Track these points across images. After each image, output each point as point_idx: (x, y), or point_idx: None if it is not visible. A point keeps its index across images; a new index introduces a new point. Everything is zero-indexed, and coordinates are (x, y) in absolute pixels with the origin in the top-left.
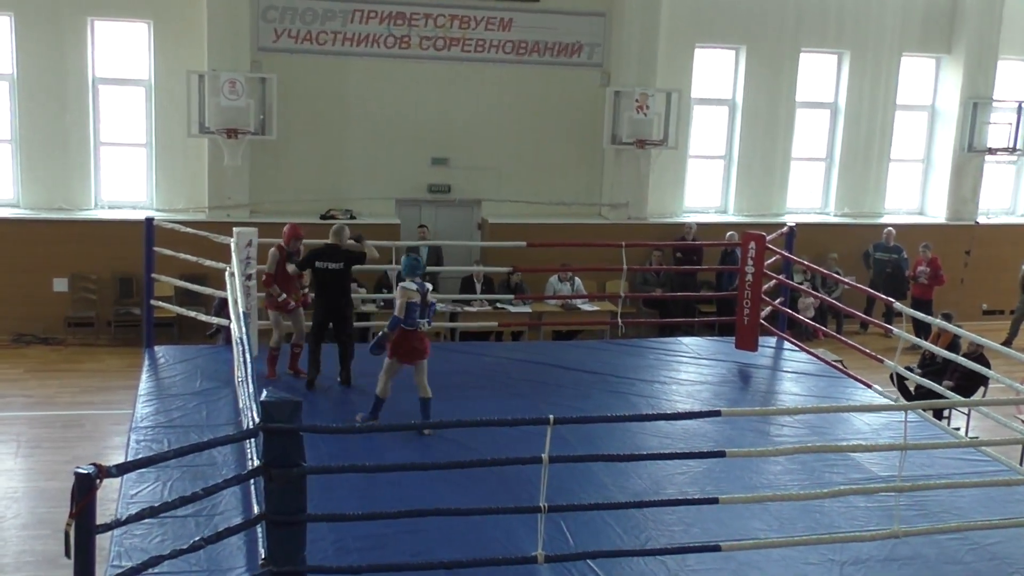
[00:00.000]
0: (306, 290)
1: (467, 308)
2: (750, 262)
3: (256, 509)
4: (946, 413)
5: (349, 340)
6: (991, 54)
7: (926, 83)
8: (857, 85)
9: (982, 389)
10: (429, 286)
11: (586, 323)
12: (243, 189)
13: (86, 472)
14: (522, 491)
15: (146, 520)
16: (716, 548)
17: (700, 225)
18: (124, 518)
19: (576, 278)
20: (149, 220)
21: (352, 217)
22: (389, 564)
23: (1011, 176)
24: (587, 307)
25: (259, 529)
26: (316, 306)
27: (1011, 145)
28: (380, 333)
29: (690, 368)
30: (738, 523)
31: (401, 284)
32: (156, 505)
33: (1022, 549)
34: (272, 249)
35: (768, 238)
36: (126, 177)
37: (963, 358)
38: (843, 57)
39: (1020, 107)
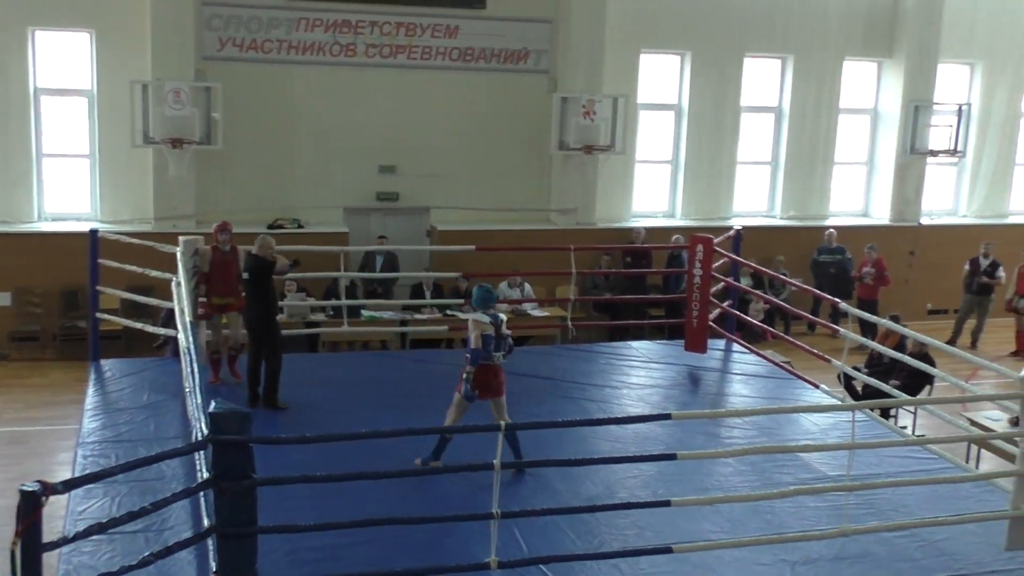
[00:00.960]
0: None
1: (417, 315)
2: (698, 265)
3: (206, 522)
4: (893, 412)
5: (273, 356)
6: (931, 58)
7: (869, 87)
8: (801, 89)
9: (928, 388)
10: (503, 317)
11: (536, 328)
12: (189, 199)
13: (31, 489)
14: (475, 498)
15: (94, 537)
16: (668, 550)
17: (648, 229)
18: (72, 535)
19: (526, 283)
20: (94, 232)
21: (300, 226)
22: (343, 574)
23: (952, 178)
24: (537, 312)
25: (210, 542)
26: (244, 318)
27: (952, 147)
28: (465, 374)
29: (640, 372)
30: (690, 525)
31: (473, 316)
32: (104, 521)
33: (969, 545)
34: (206, 248)
35: (715, 241)
36: (70, 189)
37: (909, 357)
38: (787, 61)
39: (960, 110)
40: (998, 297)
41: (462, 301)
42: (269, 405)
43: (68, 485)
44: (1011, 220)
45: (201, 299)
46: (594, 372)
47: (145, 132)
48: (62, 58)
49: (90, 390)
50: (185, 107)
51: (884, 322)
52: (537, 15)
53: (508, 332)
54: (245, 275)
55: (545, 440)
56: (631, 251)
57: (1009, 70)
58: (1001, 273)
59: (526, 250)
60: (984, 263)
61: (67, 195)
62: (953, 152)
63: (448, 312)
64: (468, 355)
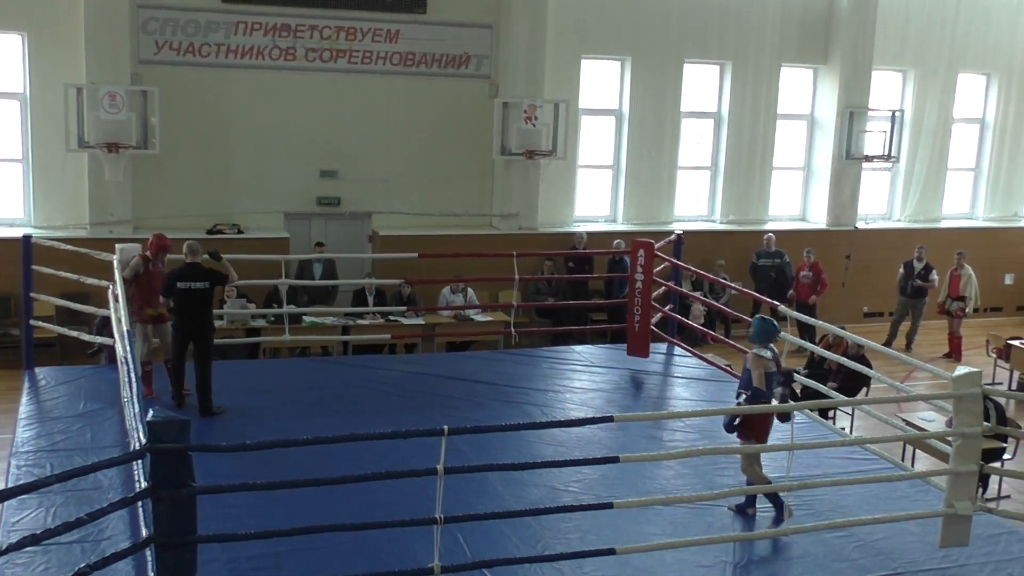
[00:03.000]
0: (170, 304)
1: (360, 321)
2: (639, 270)
3: (145, 532)
4: (831, 413)
5: (208, 363)
6: (866, 64)
7: (805, 93)
8: (739, 95)
9: (865, 389)
10: (777, 350)
11: (479, 333)
12: (126, 204)
13: None
14: (418, 503)
15: (28, 548)
16: (611, 552)
17: (590, 234)
18: (5, 547)
19: (469, 289)
20: (27, 237)
21: (240, 231)
22: None
23: (887, 183)
24: (480, 317)
25: (148, 552)
26: (175, 327)
27: (886, 152)
28: (739, 401)
29: (583, 376)
30: (633, 528)
31: (755, 352)
32: (39, 532)
33: (905, 544)
34: (135, 258)
35: (656, 246)
36: (1, 193)
37: (845, 359)
38: (725, 68)
39: (894, 116)
40: (931, 300)
41: (404, 308)
42: (206, 412)
43: (1, 496)
44: (943, 224)
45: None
46: (537, 376)
47: (80, 136)
48: None
49: (24, 399)
50: (121, 111)
51: (822, 324)
52: (478, 20)
53: (789, 369)
54: (202, 285)
55: (488, 444)
56: (573, 256)
57: (940, 77)
58: (934, 276)
59: (469, 256)
60: (918, 266)
61: None
62: (887, 157)
63: (391, 318)
64: (746, 393)
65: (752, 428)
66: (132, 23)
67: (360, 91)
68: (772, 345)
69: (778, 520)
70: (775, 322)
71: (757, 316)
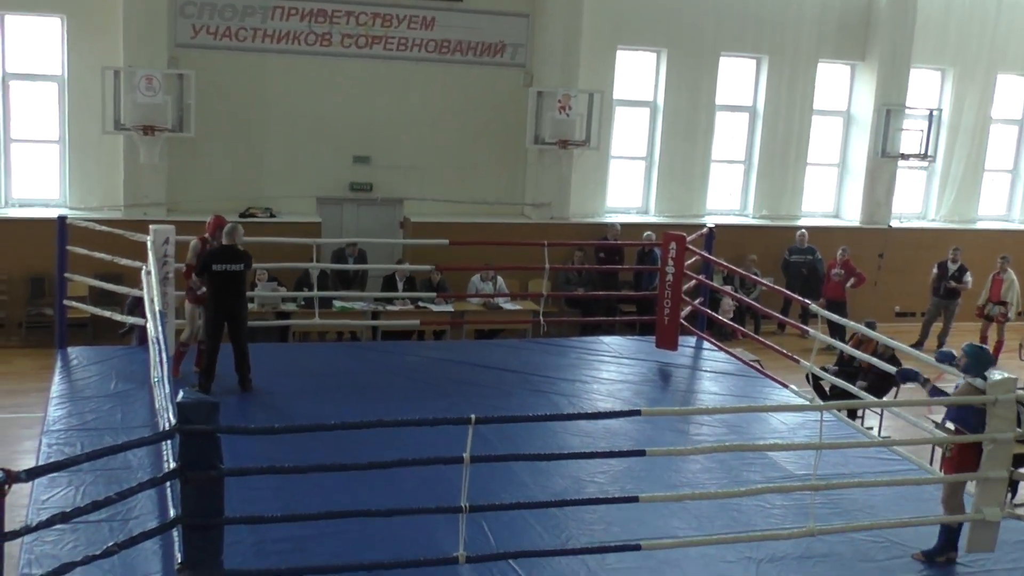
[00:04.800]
0: (202, 290)
1: (389, 307)
2: (670, 262)
3: (172, 512)
4: (860, 413)
5: (245, 342)
6: (904, 62)
7: (842, 89)
8: (775, 90)
9: (895, 389)
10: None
11: (508, 322)
12: (160, 187)
13: None
14: (443, 491)
15: (58, 526)
16: (636, 547)
17: (621, 226)
18: (34, 524)
19: (498, 277)
20: (62, 218)
21: (272, 215)
22: (309, 566)
23: (922, 182)
24: (509, 306)
25: (175, 533)
26: (211, 310)
27: (922, 151)
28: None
29: (611, 367)
30: (658, 521)
31: (969, 380)
32: (68, 510)
33: (930, 546)
34: (194, 240)
35: (688, 239)
36: (38, 175)
37: (876, 359)
38: (762, 62)
39: (931, 115)
40: (965, 302)
41: (434, 295)
42: (247, 387)
43: (32, 473)
44: (979, 225)
45: (199, 290)
46: (564, 366)
47: (116, 119)
48: (32, 43)
49: (56, 378)
50: (157, 94)
51: (852, 324)
52: (514, 9)
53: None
54: (238, 267)
55: (515, 433)
56: (605, 247)
57: (979, 76)
58: (968, 278)
59: (499, 244)
60: (952, 268)
61: (36, 181)
62: (924, 156)
63: (420, 304)
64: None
65: (971, 460)
66: (170, 7)
67: (395, 78)
68: (986, 373)
69: (929, 555)
70: (988, 350)
71: (969, 344)
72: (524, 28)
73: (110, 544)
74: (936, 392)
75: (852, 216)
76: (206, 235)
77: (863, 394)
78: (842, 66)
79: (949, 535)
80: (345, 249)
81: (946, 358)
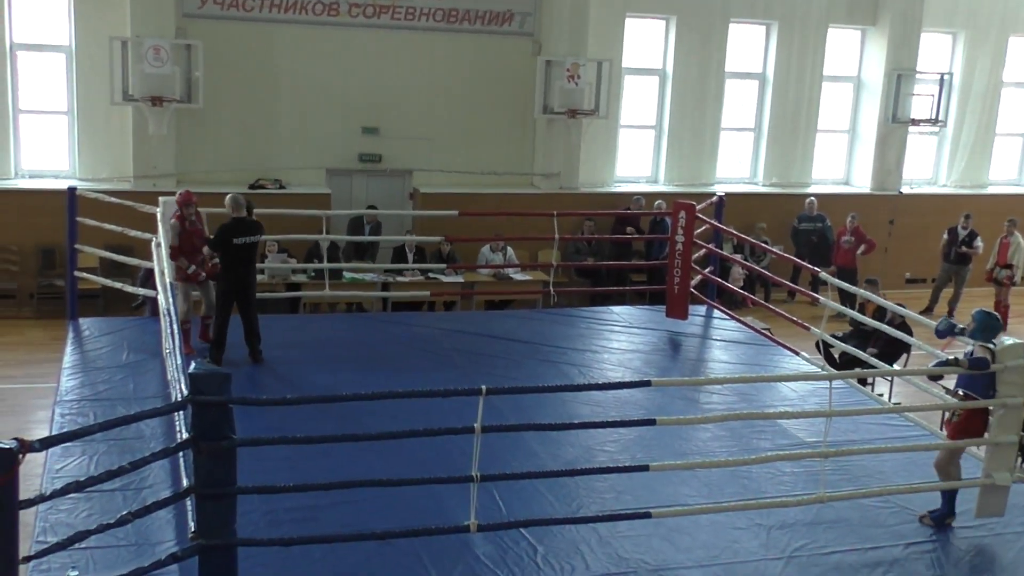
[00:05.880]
0: (215, 260)
1: (399, 278)
2: (680, 231)
3: (185, 482)
4: (870, 380)
5: (254, 313)
6: (915, 27)
7: (852, 55)
8: (785, 56)
9: (905, 356)
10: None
11: (518, 292)
12: (169, 158)
13: (7, 447)
14: (455, 461)
15: (72, 495)
16: (647, 515)
17: (632, 195)
18: (49, 493)
19: (508, 247)
20: (72, 190)
21: (282, 186)
22: (321, 536)
23: (933, 147)
24: (519, 276)
25: (188, 502)
26: (223, 280)
27: (933, 116)
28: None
29: (621, 337)
30: (668, 489)
31: (980, 344)
32: (82, 479)
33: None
34: (172, 220)
35: (698, 207)
36: (47, 146)
37: (886, 326)
38: (771, 28)
39: (942, 79)
40: (975, 267)
41: (444, 266)
42: (258, 358)
43: (45, 443)
44: (990, 190)
45: (189, 269)
46: (574, 336)
47: (124, 90)
48: (39, 13)
49: (68, 348)
50: (165, 65)
51: (862, 292)
52: None
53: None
54: (255, 238)
55: (525, 403)
56: (627, 217)
57: (991, 40)
58: (979, 243)
59: (509, 215)
60: (962, 233)
61: (45, 152)
62: (934, 121)
63: (430, 275)
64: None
65: (977, 427)
66: None
67: (403, 48)
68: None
69: (936, 517)
70: (998, 316)
71: (978, 311)
72: None
73: (124, 513)
74: (976, 363)
75: (862, 183)
76: (179, 213)
77: (873, 361)
78: (852, 31)
79: (952, 497)
80: (364, 217)
81: (947, 330)
